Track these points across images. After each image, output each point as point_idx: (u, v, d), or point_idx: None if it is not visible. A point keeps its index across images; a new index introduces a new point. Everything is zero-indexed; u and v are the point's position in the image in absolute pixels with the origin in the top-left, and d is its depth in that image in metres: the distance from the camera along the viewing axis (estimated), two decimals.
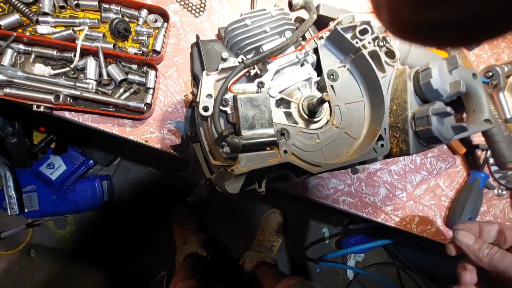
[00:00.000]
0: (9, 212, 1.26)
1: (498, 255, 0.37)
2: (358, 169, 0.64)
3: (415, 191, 0.67)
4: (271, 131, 0.37)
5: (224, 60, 0.39)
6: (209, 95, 0.37)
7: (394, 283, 1.61)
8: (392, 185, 0.65)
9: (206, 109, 0.36)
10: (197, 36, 0.41)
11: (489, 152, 0.68)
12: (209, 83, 0.38)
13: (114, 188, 1.52)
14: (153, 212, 1.51)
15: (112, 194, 1.50)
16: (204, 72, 0.38)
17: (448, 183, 0.69)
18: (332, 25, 0.45)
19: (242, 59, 0.39)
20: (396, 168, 0.66)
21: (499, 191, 0.71)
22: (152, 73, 0.56)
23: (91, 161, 1.41)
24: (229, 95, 0.38)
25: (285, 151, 0.37)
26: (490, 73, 0.69)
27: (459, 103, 0.65)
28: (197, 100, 0.37)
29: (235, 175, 0.34)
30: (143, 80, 0.56)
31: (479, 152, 0.71)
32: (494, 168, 0.70)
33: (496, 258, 0.37)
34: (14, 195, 1.28)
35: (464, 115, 0.69)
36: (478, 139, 0.70)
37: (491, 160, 0.69)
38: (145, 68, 0.56)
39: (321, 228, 1.69)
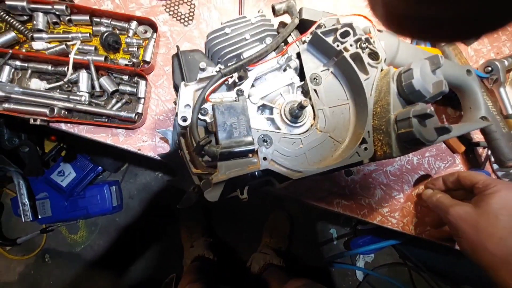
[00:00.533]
0: (23, 219, 1.32)
1: (434, 199, 0.54)
2: (353, 171, 0.63)
3: (413, 192, 0.65)
4: (249, 138, 0.37)
5: (203, 70, 0.40)
6: (188, 105, 0.38)
7: (406, 284, 1.58)
8: (388, 186, 0.64)
9: (184, 119, 0.37)
10: (177, 47, 0.42)
11: None
12: (188, 93, 0.38)
13: (123, 193, 1.56)
14: (160, 216, 1.54)
15: (121, 199, 1.54)
16: (183, 82, 0.39)
17: None
18: (312, 28, 0.45)
19: (219, 68, 0.39)
20: (392, 169, 0.65)
21: None
22: (142, 83, 0.57)
23: (100, 167, 1.45)
24: (208, 104, 0.39)
25: (264, 158, 0.37)
26: (490, 68, 0.67)
27: (457, 100, 0.63)
28: (176, 110, 0.37)
29: (213, 183, 0.35)
30: (134, 90, 0.57)
31: (480, 149, 0.69)
32: (496, 166, 0.68)
33: (436, 200, 0.54)
34: (27, 202, 1.34)
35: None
36: (478, 136, 0.68)
37: (493, 158, 0.67)
38: (135, 78, 0.58)
39: (329, 229, 1.68)
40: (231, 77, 0.40)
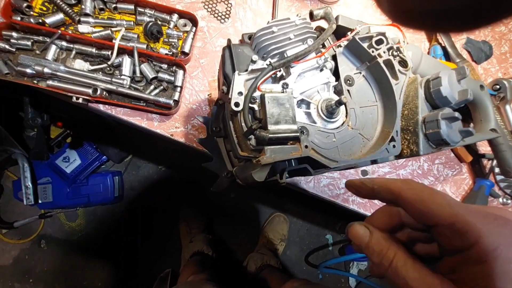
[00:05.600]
0: (24, 202, 1.31)
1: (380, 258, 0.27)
2: (368, 171, 0.67)
3: None
4: (295, 127, 0.40)
5: (254, 62, 0.43)
6: (240, 93, 0.41)
7: None
8: None
9: (237, 105, 0.40)
10: (229, 40, 0.45)
11: (495, 161, 0.71)
12: (240, 82, 0.42)
13: (124, 184, 1.56)
14: (160, 210, 1.55)
15: (122, 190, 1.55)
16: (236, 72, 0.42)
17: (454, 189, 0.71)
18: (350, 35, 0.49)
19: (270, 62, 0.43)
20: (404, 173, 0.69)
21: (504, 200, 0.74)
22: (180, 72, 0.60)
23: (105, 157, 1.46)
24: (257, 94, 0.42)
25: (306, 146, 0.41)
26: (498, 86, 0.73)
27: (468, 113, 0.68)
28: (229, 96, 0.41)
29: (261, 164, 0.38)
30: (172, 78, 0.60)
31: (485, 161, 0.74)
32: (499, 177, 0.73)
33: (383, 262, 0.26)
34: (30, 185, 1.33)
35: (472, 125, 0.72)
36: (484, 148, 0.73)
37: (497, 170, 0.72)
38: (174, 67, 0.61)
39: (325, 235, 1.71)
40: (280, 71, 0.44)
